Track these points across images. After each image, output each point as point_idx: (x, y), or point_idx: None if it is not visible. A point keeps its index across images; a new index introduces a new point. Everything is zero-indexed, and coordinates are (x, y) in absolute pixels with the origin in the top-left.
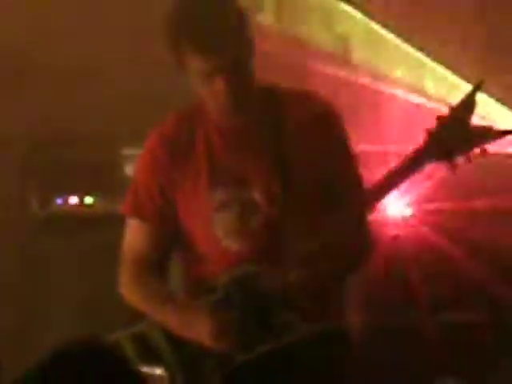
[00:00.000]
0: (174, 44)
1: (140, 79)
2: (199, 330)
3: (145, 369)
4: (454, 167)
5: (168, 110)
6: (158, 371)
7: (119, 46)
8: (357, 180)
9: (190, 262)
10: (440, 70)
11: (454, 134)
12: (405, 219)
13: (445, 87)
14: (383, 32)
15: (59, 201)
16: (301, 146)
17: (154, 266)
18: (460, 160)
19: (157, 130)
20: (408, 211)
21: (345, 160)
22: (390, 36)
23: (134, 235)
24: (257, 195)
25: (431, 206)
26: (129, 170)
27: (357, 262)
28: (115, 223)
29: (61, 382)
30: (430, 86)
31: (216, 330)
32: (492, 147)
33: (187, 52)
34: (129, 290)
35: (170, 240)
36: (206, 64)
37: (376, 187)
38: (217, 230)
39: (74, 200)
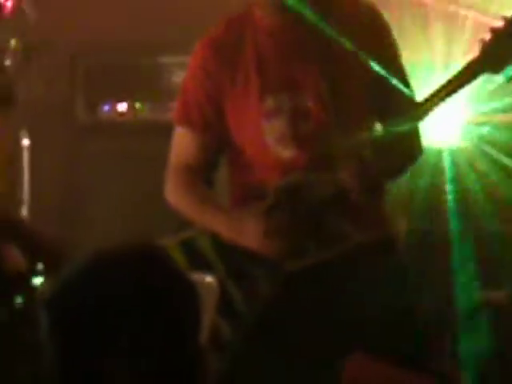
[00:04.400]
0: None
1: None
2: (248, 233)
3: (194, 275)
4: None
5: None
6: (208, 278)
7: None
8: (406, 85)
9: (239, 171)
10: None
11: (508, 46)
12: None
13: None
14: None
15: (106, 107)
16: (349, 48)
17: (201, 173)
18: None
19: (207, 36)
20: (460, 122)
21: (395, 66)
22: None
23: (181, 143)
24: (308, 101)
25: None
26: (176, 77)
27: (409, 162)
28: (162, 131)
29: (109, 290)
30: None
31: (265, 233)
32: None
33: None
34: (176, 196)
35: (217, 149)
36: None
37: (431, 96)
38: (267, 138)
39: (121, 107)
